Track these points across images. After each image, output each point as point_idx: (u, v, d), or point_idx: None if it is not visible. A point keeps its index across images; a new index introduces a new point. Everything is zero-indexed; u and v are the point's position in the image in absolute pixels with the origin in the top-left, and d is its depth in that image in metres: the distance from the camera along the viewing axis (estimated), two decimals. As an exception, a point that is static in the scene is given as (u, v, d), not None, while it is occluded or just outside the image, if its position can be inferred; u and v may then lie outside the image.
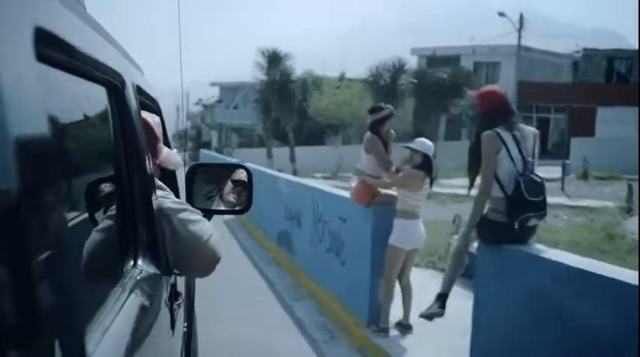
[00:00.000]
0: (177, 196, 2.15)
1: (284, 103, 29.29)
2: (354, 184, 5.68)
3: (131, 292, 1.30)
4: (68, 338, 0.78)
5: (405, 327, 5.22)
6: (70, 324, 0.80)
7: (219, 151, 36.20)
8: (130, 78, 1.59)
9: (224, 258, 1.85)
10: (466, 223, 3.98)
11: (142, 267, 1.48)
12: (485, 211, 3.80)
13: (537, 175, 3.70)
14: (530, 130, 3.89)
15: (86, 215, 1.31)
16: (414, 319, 5.22)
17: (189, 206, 1.81)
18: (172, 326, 1.75)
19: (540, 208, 3.64)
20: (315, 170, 27.28)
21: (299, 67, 31.66)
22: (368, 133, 5.52)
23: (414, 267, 5.58)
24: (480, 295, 4.00)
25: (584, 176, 21.37)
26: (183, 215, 1.71)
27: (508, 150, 3.70)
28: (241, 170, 2.46)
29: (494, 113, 3.80)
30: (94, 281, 1.32)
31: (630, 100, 23.97)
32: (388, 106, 5.72)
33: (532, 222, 3.67)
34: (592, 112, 29.79)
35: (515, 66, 33.10)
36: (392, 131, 5.60)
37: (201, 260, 1.76)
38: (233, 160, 17.19)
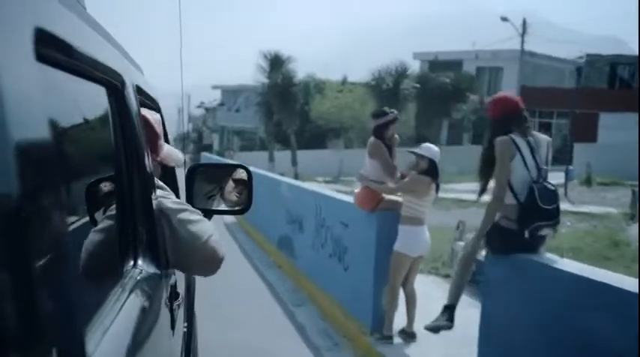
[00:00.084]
0: (177, 196, 2.14)
1: (286, 106, 29.24)
2: (357, 190, 5.61)
3: (131, 292, 1.30)
4: (68, 338, 0.78)
5: (408, 335, 5.14)
6: (70, 324, 0.79)
7: (220, 154, 36.14)
8: (130, 78, 1.59)
9: (224, 261, 1.84)
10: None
11: (142, 267, 1.49)
12: (495, 218, 3.72)
13: (550, 183, 3.63)
14: (543, 138, 3.83)
15: (86, 215, 1.30)
16: (417, 327, 5.14)
17: (189, 206, 1.81)
18: (172, 326, 1.75)
19: (553, 217, 3.56)
20: (317, 174, 27.23)
21: (301, 69, 31.68)
22: (372, 138, 5.45)
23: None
24: (487, 304, 3.92)
25: (588, 182, 21.28)
26: (182, 215, 1.70)
27: (522, 157, 3.63)
28: (241, 170, 2.45)
29: (508, 119, 3.73)
30: (94, 281, 1.31)
31: (633, 106, 23.89)
32: (392, 110, 5.64)
33: (544, 231, 3.59)
34: (595, 117, 29.70)
35: (518, 71, 33.03)
36: (396, 136, 5.53)
37: (201, 260, 1.75)
38: (234, 163, 17.13)
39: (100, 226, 1.38)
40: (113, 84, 1.40)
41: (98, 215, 1.40)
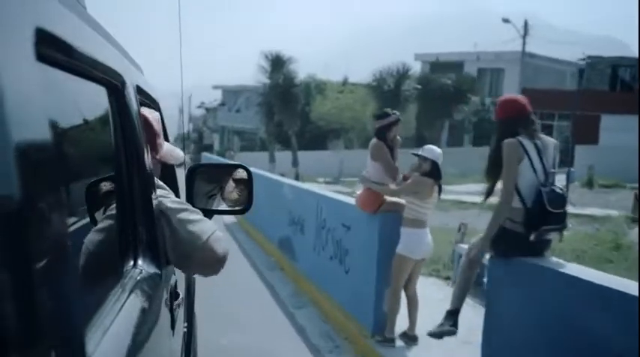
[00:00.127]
0: (177, 195, 2.14)
1: (287, 106, 29.22)
2: (359, 191, 5.57)
3: (131, 292, 1.31)
4: (68, 338, 0.78)
5: (410, 338, 5.10)
6: (70, 324, 0.79)
7: (221, 154, 36.12)
8: (130, 78, 1.59)
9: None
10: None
11: (142, 267, 1.49)
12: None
13: (558, 187, 3.59)
14: (551, 140, 3.78)
15: (86, 215, 1.29)
16: (420, 330, 5.10)
17: (189, 206, 1.80)
18: (172, 326, 1.75)
19: (561, 221, 3.52)
20: (318, 175, 27.21)
21: (301, 70, 31.70)
22: (374, 140, 5.40)
23: (416, 275, 5.46)
24: (491, 307, 3.87)
25: (589, 184, 21.22)
26: (182, 215, 1.70)
27: (530, 160, 3.58)
28: (242, 170, 2.45)
29: (515, 121, 3.68)
30: (94, 281, 1.31)
31: (634, 108, 23.84)
32: (394, 111, 5.60)
33: (551, 235, 3.55)
34: (596, 119, 29.66)
35: (520, 73, 32.99)
36: (398, 137, 5.49)
37: (201, 260, 1.74)
38: (234, 163, 17.12)
39: (100, 226, 1.37)
40: (113, 84, 1.40)
41: (98, 215, 1.39)
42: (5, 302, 0.60)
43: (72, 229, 1.07)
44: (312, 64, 49.27)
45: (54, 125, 0.86)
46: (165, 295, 1.66)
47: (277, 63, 30.12)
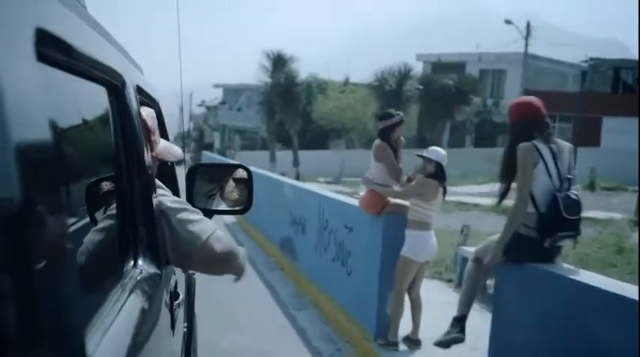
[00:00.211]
0: (177, 195, 2.15)
1: (288, 106, 29.16)
2: (362, 193, 5.50)
3: (131, 292, 1.31)
4: (68, 338, 0.78)
5: (413, 342, 5.03)
6: (70, 324, 0.79)
7: (221, 152, 36.06)
8: (130, 78, 1.59)
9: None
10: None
11: (142, 267, 1.49)
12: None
13: (574, 193, 3.51)
14: (566, 145, 3.70)
15: (86, 215, 1.30)
16: (423, 334, 5.04)
17: (188, 205, 1.80)
18: (172, 326, 1.75)
19: (575, 228, 3.45)
20: (319, 174, 27.16)
21: (303, 69, 31.65)
22: (377, 141, 5.33)
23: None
24: (499, 314, 3.79)
25: (591, 187, 21.14)
26: (182, 215, 1.70)
27: (545, 164, 3.50)
28: (242, 170, 2.45)
29: (530, 124, 3.60)
30: (94, 281, 1.31)
31: (636, 110, 23.80)
32: (398, 112, 5.54)
33: (564, 241, 3.48)
34: (598, 121, 29.62)
35: (522, 74, 32.92)
36: (402, 138, 5.42)
37: (202, 260, 1.74)
38: (235, 162, 17.12)
39: (100, 226, 1.37)
40: (113, 84, 1.40)
41: (98, 215, 1.39)
42: (5, 302, 0.60)
43: (72, 229, 1.06)
44: (313, 64, 49.17)
45: (54, 125, 0.86)
46: (166, 295, 1.65)
47: (279, 62, 30.07)
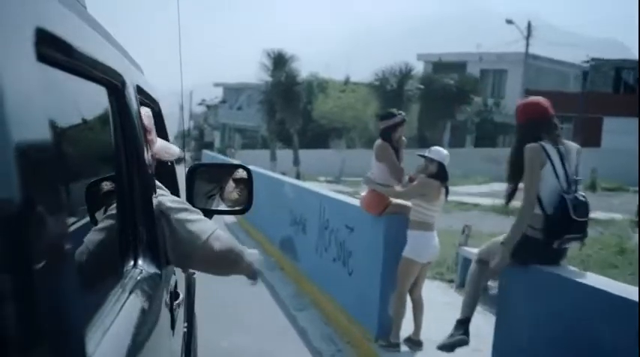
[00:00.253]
0: (177, 195, 2.14)
1: (289, 105, 29.11)
2: (363, 193, 5.47)
3: (131, 292, 1.31)
4: (68, 338, 0.78)
5: (414, 343, 5.00)
6: (70, 324, 0.79)
7: (222, 151, 36.03)
8: (130, 78, 1.60)
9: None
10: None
11: (142, 267, 1.50)
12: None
13: (581, 195, 3.48)
14: (574, 146, 3.66)
15: (86, 215, 1.29)
16: (424, 335, 5.02)
17: (188, 205, 1.80)
18: (172, 326, 1.75)
19: (583, 230, 3.41)
20: (319, 174, 27.13)
21: (303, 69, 31.60)
22: (379, 141, 5.30)
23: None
24: (502, 316, 3.75)
25: (592, 187, 21.09)
26: (182, 215, 1.70)
27: (553, 165, 3.47)
28: (242, 170, 2.45)
29: (537, 125, 3.57)
30: (94, 281, 1.30)
31: (637, 110, 23.75)
32: (400, 112, 5.51)
33: (572, 243, 3.44)
34: (599, 122, 29.59)
35: (523, 74, 32.87)
36: (403, 138, 5.40)
37: (202, 259, 1.74)
38: (235, 162, 17.13)
39: (100, 226, 1.37)
40: (113, 84, 1.41)
41: (98, 215, 1.39)
42: (5, 302, 0.59)
43: (72, 229, 1.07)
44: (314, 63, 49.12)
45: (54, 125, 0.86)
46: (166, 295, 1.66)
47: (279, 61, 30.02)
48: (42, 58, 0.79)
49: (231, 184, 2.43)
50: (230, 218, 11.60)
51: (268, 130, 33.46)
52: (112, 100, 1.41)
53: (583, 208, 3.41)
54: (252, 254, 1.93)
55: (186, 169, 2.42)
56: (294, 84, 29.76)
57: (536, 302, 3.48)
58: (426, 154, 4.97)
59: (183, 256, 1.69)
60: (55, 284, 0.72)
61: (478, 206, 15.92)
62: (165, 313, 1.62)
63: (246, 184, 2.40)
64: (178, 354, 2.00)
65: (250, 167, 2.56)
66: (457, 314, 3.97)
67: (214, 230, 1.72)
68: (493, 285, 4.54)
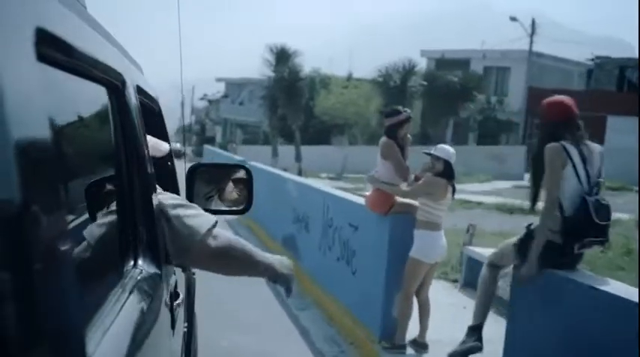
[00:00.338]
0: (176, 194, 2.16)
1: (291, 100, 29.01)
2: (368, 193, 5.38)
3: (131, 292, 1.31)
4: (68, 338, 0.78)
5: (420, 345, 4.91)
6: (70, 324, 0.79)
7: (223, 146, 35.93)
8: (130, 78, 1.60)
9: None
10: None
11: (142, 267, 1.50)
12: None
13: (603, 198, 3.38)
14: (597, 147, 3.57)
15: (86, 215, 1.27)
16: (429, 336, 4.94)
17: (186, 201, 1.81)
18: (172, 326, 1.75)
19: (604, 233, 3.32)
20: (321, 170, 27.04)
21: (305, 64, 31.50)
22: (384, 138, 5.20)
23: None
24: (514, 320, 3.66)
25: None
26: (180, 210, 1.69)
27: (574, 166, 3.37)
28: (242, 170, 2.44)
29: (560, 125, 3.47)
30: (94, 281, 1.29)
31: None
32: (405, 109, 5.42)
33: (593, 247, 3.35)
34: (602, 120, 29.43)
35: (526, 71, 32.72)
36: (409, 136, 5.31)
37: (200, 255, 1.71)
38: (237, 158, 17.05)
39: (100, 225, 1.36)
40: (114, 84, 1.41)
41: (98, 215, 1.37)
42: (5, 302, 0.60)
43: (72, 228, 1.06)
44: (315, 59, 48.96)
45: (54, 125, 0.86)
46: (166, 295, 1.66)
47: (282, 56, 29.91)
48: (42, 58, 0.80)
49: (230, 185, 2.42)
50: (231, 216, 11.52)
51: (270, 126, 33.37)
52: (112, 99, 1.41)
53: (605, 210, 3.32)
54: (280, 260, 1.92)
55: (186, 165, 2.40)
56: (297, 79, 29.66)
57: (549, 307, 3.39)
58: (432, 151, 4.89)
59: (181, 250, 1.67)
60: (54, 284, 0.72)
61: (481, 204, 15.82)
62: (165, 313, 1.61)
63: (246, 184, 2.39)
64: (178, 354, 2.00)
65: (252, 163, 2.51)
66: (461, 314, 3.88)
67: (213, 225, 1.70)
68: (501, 286, 4.45)
